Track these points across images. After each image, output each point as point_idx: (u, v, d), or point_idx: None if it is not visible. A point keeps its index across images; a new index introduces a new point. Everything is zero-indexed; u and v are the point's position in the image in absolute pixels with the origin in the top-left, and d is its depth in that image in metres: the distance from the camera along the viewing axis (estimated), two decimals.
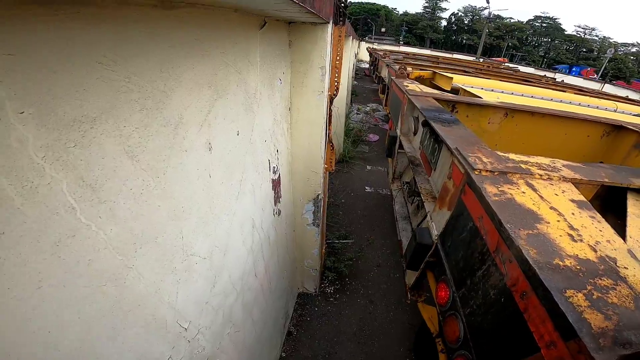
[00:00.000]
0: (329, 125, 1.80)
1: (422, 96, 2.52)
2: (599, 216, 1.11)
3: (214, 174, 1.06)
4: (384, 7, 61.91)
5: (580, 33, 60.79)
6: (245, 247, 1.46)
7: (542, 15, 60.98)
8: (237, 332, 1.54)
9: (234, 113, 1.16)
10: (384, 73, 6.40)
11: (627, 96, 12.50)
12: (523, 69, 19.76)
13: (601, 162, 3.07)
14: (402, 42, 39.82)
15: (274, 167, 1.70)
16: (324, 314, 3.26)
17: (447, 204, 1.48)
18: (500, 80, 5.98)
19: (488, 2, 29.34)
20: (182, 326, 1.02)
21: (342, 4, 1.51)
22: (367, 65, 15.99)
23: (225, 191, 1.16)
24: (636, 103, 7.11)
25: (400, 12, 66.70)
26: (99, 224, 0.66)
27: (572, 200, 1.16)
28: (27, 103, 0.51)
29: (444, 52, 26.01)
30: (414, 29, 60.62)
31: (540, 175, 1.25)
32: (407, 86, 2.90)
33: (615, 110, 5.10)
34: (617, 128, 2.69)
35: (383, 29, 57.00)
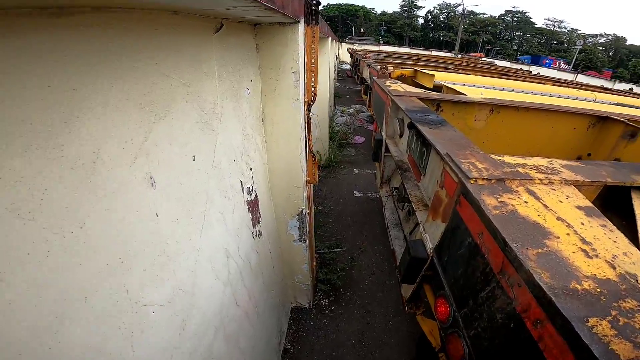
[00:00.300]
0: (309, 135, 1.65)
1: (405, 96, 2.41)
2: (609, 224, 1.00)
3: (162, 212, 0.88)
4: (362, 7, 62.56)
5: (550, 26, 63.11)
6: (221, 280, 1.29)
7: (513, 9, 62.99)
8: None
9: (185, 135, 0.98)
10: (366, 73, 6.32)
11: (602, 85, 12.91)
12: (499, 62, 20.22)
13: (589, 155, 3.05)
14: (381, 42, 40.24)
15: (249, 187, 1.53)
16: (321, 327, 3.10)
17: (441, 215, 1.35)
18: (480, 75, 5.99)
19: None
20: None
21: (314, 2, 1.37)
22: (348, 67, 15.99)
23: (183, 229, 0.99)
24: (612, 92, 7.28)
25: (379, 12, 67.57)
26: None
27: (579, 207, 1.05)
28: None
29: (423, 49, 26.36)
30: (393, 28, 61.50)
31: (541, 180, 1.14)
32: (390, 86, 2.79)
33: (594, 100, 5.17)
34: (603, 119, 2.65)
35: (362, 30, 57.60)
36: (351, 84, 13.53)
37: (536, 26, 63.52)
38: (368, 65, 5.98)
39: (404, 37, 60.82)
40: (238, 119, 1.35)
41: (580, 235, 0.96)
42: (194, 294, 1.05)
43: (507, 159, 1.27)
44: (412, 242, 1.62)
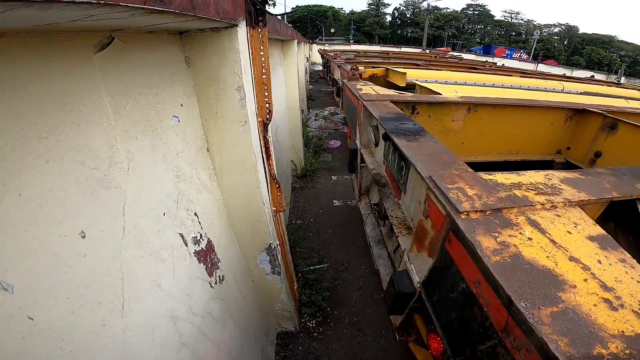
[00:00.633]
0: (268, 159, 1.40)
1: (378, 100, 2.20)
2: (628, 257, 0.82)
3: (39, 317, 0.60)
4: (331, 7, 62.79)
5: (507, 17, 66.08)
6: (169, 348, 1.01)
7: (473, 3, 65.39)
8: None
9: (59, 208, 0.69)
10: (337, 75, 6.13)
11: (564, 74, 13.46)
12: (465, 56, 20.82)
13: (568, 148, 2.99)
14: (352, 41, 40.49)
15: (195, 236, 1.25)
16: (310, 351, 2.86)
17: (427, 249, 1.14)
18: (451, 71, 5.96)
19: None
20: None
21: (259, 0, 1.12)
22: (320, 68, 15.80)
23: (84, 326, 0.71)
24: (575, 80, 7.51)
25: (347, 12, 68.10)
26: None
27: (591, 238, 0.86)
28: None
29: (392, 46, 26.68)
30: (362, 27, 62.17)
31: (542, 205, 0.95)
32: (361, 89, 2.59)
33: (562, 90, 5.25)
34: (580, 111, 2.58)
35: (332, 30, 57.82)
36: (324, 85, 13.27)
37: (495, 19, 66.28)
38: (339, 66, 5.79)
39: (373, 35, 61.62)
40: (164, 159, 1.06)
41: (599, 280, 0.77)
42: None
43: (499, 177, 1.08)
44: (397, 276, 1.41)
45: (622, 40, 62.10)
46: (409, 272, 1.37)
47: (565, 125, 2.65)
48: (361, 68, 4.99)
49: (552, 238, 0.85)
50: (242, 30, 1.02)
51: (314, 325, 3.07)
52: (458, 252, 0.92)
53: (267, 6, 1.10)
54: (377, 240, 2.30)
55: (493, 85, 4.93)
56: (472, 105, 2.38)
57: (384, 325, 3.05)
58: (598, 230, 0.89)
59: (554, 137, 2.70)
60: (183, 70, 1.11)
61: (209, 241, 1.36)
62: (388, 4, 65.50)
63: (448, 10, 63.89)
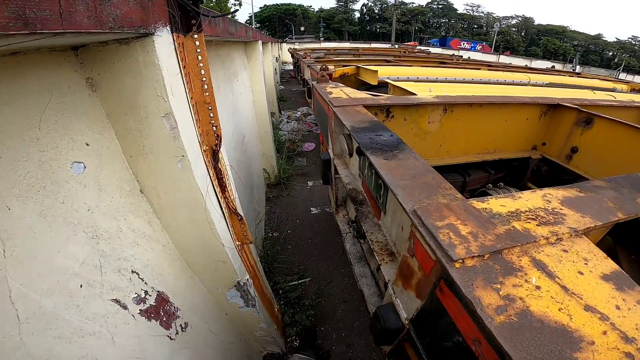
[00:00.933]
0: (224, 193, 1.17)
1: (350, 106, 2.02)
2: None
3: None
4: (300, 6, 62.18)
5: (469, 11, 68.54)
6: None
7: None
8: None
9: None
10: (307, 74, 5.91)
11: (526, 65, 14.00)
12: (432, 50, 21.20)
13: (544, 144, 2.96)
14: (322, 39, 40.29)
15: (138, 296, 1.00)
16: None
17: (415, 290, 0.97)
18: (422, 66, 5.92)
19: None
20: None
21: None
22: (291, 67, 15.48)
23: None
24: (539, 71, 7.75)
25: (316, 9, 67.76)
26: None
27: (605, 277, 0.72)
28: None
29: (362, 42, 26.77)
30: (332, 24, 62.13)
31: (547, 239, 0.79)
32: (331, 93, 2.39)
33: (529, 82, 5.34)
34: (554, 106, 2.53)
35: (302, 28, 57.42)
36: (295, 84, 12.90)
37: (458, 12, 68.49)
38: (308, 65, 5.58)
39: (343, 32, 61.74)
40: (66, 223, 0.80)
41: (619, 330, 0.64)
42: None
43: (493, 204, 0.92)
44: (383, 310, 1.23)
45: (574, 30, 66.18)
46: (395, 307, 1.19)
47: (540, 121, 2.60)
48: (331, 67, 4.80)
49: (563, 284, 0.70)
50: (163, 39, 0.77)
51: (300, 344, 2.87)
52: (452, 305, 0.75)
53: (200, 4, 0.86)
54: (358, 257, 2.12)
55: (464, 81, 4.91)
56: (448, 106, 2.26)
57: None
58: (611, 265, 0.75)
59: (529, 133, 2.65)
60: (85, 97, 0.82)
61: (160, 294, 1.11)
62: (356, 1, 65.88)
63: (414, 5, 65.21)
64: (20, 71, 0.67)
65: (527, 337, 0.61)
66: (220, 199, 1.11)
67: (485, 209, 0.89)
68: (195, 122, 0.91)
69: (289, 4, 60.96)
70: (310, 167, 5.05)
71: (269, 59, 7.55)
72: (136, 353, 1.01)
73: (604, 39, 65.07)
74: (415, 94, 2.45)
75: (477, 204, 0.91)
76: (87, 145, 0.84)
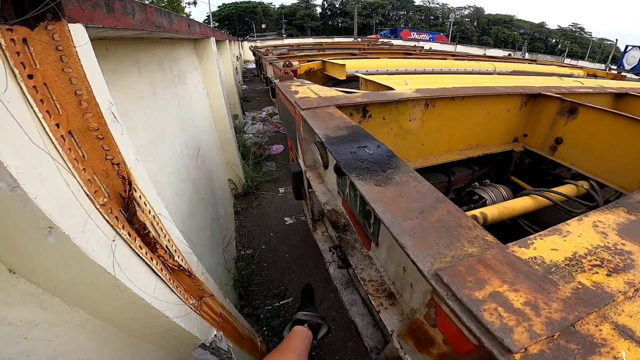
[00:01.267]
0: (155, 250, 0.80)
1: (320, 107, 1.70)
2: None
3: None
4: (260, 3, 60.47)
5: (426, 2, 70.67)
6: None
7: None
8: None
9: None
10: (270, 72, 5.51)
11: (484, 54, 14.48)
12: (395, 42, 21.39)
13: (525, 135, 2.84)
14: (284, 35, 39.48)
15: None
16: None
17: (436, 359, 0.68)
18: (389, 58, 5.73)
19: None
20: None
21: None
22: (254, 66, 14.80)
23: None
24: (499, 59, 7.90)
25: (277, 6, 66.32)
26: None
27: None
28: None
29: (325, 37, 26.45)
30: (294, 20, 61.19)
31: (624, 293, 0.54)
32: (297, 92, 2.06)
33: (494, 71, 5.33)
34: (534, 96, 2.38)
35: (263, 26, 56.08)
36: (259, 83, 12.19)
37: (415, 4, 70.33)
38: (270, 63, 5.17)
39: (305, 27, 61.04)
40: None
41: None
42: None
43: (541, 248, 0.65)
44: None
45: (520, 19, 70.56)
46: None
47: (521, 112, 2.45)
48: (295, 63, 4.44)
49: None
50: None
51: None
52: None
53: None
54: (345, 282, 1.82)
55: (433, 72, 4.78)
56: (429, 100, 2.01)
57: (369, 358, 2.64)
58: None
59: (510, 125, 2.49)
60: None
61: None
62: None
63: None
64: None
65: None
66: (149, 262, 0.75)
67: (535, 258, 0.62)
68: (69, 164, 0.54)
69: (249, 2, 59.05)
70: (280, 172, 4.67)
71: (227, 58, 6.99)
72: None
73: (547, 26, 70.05)
74: (392, 89, 2.19)
75: (521, 251, 0.63)
76: None
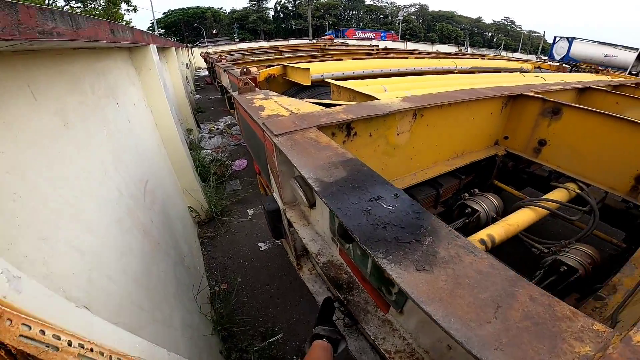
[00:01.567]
0: None
1: (298, 131, 1.38)
2: None
3: None
4: (210, 8, 57.81)
5: (376, 2, 72.90)
6: None
7: None
8: None
9: None
10: (225, 80, 5.05)
11: (437, 50, 15.00)
12: (350, 42, 21.58)
13: (506, 137, 2.75)
14: (237, 40, 38.17)
15: None
16: None
17: None
18: (352, 59, 5.54)
19: None
20: None
21: None
22: (206, 73, 13.91)
23: None
24: (454, 55, 8.13)
25: (228, 10, 63.87)
26: None
27: None
28: None
29: (280, 40, 25.93)
30: (246, 24, 59.52)
31: None
32: (264, 109, 1.73)
33: (455, 68, 5.38)
34: (514, 97, 2.28)
35: (214, 31, 53.98)
36: (214, 91, 11.27)
37: (366, 4, 72.14)
38: (225, 70, 4.72)
39: (258, 31, 59.69)
40: None
41: None
42: None
43: None
44: None
45: (460, 15, 75.46)
46: None
47: (502, 114, 2.34)
48: (254, 69, 4.06)
49: None
50: None
51: None
52: None
53: None
54: (345, 324, 1.52)
55: (406, 72, 4.66)
56: (418, 110, 1.79)
57: None
58: None
59: (492, 128, 2.37)
60: None
61: None
62: None
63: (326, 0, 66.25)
64: None
65: None
66: None
67: None
68: None
69: (197, 7, 56.21)
70: (247, 191, 4.21)
71: (175, 67, 6.31)
72: None
73: (483, 21, 75.84)
74: (375, 98, 1.94)
75: None
76: None
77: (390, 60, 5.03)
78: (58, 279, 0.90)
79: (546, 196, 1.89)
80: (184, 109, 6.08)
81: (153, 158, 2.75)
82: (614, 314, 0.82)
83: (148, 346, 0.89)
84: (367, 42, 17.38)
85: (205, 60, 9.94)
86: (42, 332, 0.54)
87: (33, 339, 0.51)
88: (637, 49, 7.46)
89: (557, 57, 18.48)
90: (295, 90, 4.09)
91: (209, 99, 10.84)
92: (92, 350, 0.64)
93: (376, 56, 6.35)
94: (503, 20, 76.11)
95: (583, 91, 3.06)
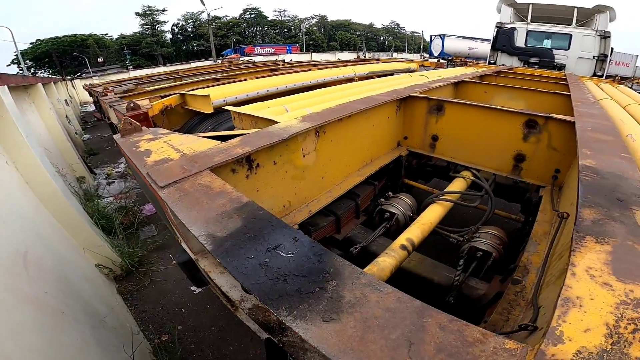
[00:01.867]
0: None
1: (188, 177, 1.21)
2: None
3: None
4: (91, 35, 50.82)
5: (278, 16, 74.77)
6: None
7: (248, 7, 69.62)
8: None
9: None
10: (114, 118, 4.43)
11: (338, 59, 15.96)
12: (256, 58, 21.55)
13: (406, 138, 2.96)
14: (130, 67, 34.64)
15: None
16: None
17: None
18: (256, 78, 5.45)
19: (204, 4, 29.66)
20: None
21: None
22: (94, 108, 12.11)
23: None
24: (354, 62, 8.74)
25: (116, 36, 57.10)
26: None
27: None
28: None
29: (181, 64, 24.33)
30: (140, 49, 54.26)
31: None
32: (149, 154, 1.50)
33: (355, 75, 5.75)
34: (405, 99, 2.48)
35: (100, 59, 47.95)
36: (106, 129, 9.73)
37: (269, 19, 73.33)
38: (111, 106, 4.13)
39: (155, 56, 55.12)
40: None
41: None
42: None
43: (572, 335, 0.62)
44: None
45: (355, 22, 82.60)
46: None
47: (397, 116, 2.52)
48: (144, 102, 3.63)
49: None
50: None
51: None
52: None
53: None
54: None
55: (309, 86, 4.75)
56: (319, 128, 1.78)
57: None
58: None
59: (392, 131, 2.54)
60: None
61: None
62: (165, 21, 59.34)
63: (228, 18, 64.89)
64: None
65: None
66: None
67: (580, 353, 0.53)
68: None
69: (75, 35, 48.93)
70: (164, 236, 3.70)
71: (46, 107, 5.22)
72: None
73: (375, 26, 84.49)
74: (275, 121, 1.86)
75: (559, 350, 0.55)
76: None
77: (295, 75, 5.10)
78: None
79: (448, 188, 2.08)
80: (67, 155, 5.11)
81: (30, 224, 2.21)
82: (533, 299, 0.88)
83: None
84: (274, 58, 17.57)
85: (90, 94, 8.66)
86: None
87: None
88: (489, 40, 9.18)
89: (435, 54, 21.40)
90: (198, 119, 3.79)
91: (102, 137, 9.37)
92: None
93: (281, 72, 6.40)
94: (390, 24, 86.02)
95: (458, 84, 3.55)
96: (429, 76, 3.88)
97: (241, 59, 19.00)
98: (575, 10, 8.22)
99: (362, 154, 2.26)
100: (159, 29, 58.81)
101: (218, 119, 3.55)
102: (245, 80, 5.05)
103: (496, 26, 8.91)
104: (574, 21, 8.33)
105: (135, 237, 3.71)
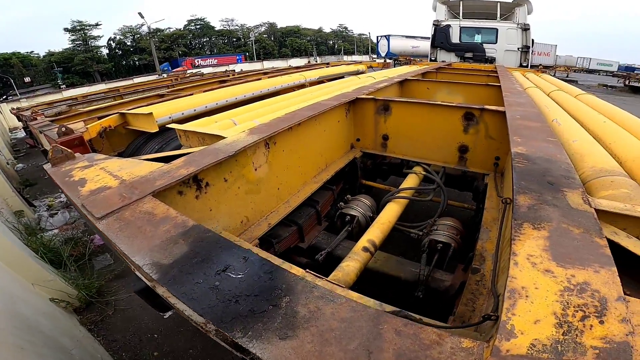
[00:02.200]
0: None
1: (129, 205, 1.12)
2: None
3: None
4: (15, 54, 45.18)
5: (226, 26, 72.87)
6: None
7: (193, 18, 66.88)
8: None
9: None
10: (46, 144, 4.00)
11: (289, 65, 16.01)
12: (205, 70, 20.78)
13: (358, 140, 3.01)
14: (63, 86, 31.57)
15: None
16: None
17: None
18: (205, 92, 5.26)
19: (142, 17, 27.88)
20: None
21: None
22: (25, 134, 10.80)
23: None
24: (305, 68, 8.80)
25: (43, 54, 51.25)
26: None
27: None
28: None
29: (122, 80, 22.66)
30: (72, 67, 49.46)
31: None
32: (84, 183, 1.36)
33: (306, 81, 5.79)
34: (353, 102, 2.54)
35: (27, 79, 43.06)
36: (42, 156, 8.70)
37: (216, 29, 71.14)
38: (41, 131, 3.72)
39: (91, 73, 50.66)
40: None
41: None
42: None
43: (523, 327, 0.64)
44: None
45: (305, 28, 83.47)
46: None
47: (348, 119, 2.57)
48: (78, 125, 3.32)
49: None
50: None
51: None
52: None
53: None
54: None
55: (253, 96, 4.67)
56: (268, 139, 1.74)
57: None
58: None
59: (344, 135, 2.58)
60: None
61: None
62: (99, 36, 54.41)
63: (171, 30, 61.70)
64: None
65: None
66: None
67: (534, 346, 0.54)
68: None
69: None
70: (121, 263, 3.41)
71: None
72: None
73: (324, 31, 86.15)
74: (222, 137, 1.79)
75: (512, 345, 0.54)
76: None
77: (245, 85, 5.01)
78: None
79: (402, 185, 2.15)
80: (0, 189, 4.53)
81: None
82: (492, 287, 0.91)
83: None
84: (223, 68, 17.11)
85: (19, 119, 7.72)
86: None
87: None
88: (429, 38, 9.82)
89: (383, 54, 22.42)
90: (143, 139, 3.55)
91: (38, 165, 8.38)
92: None
93: (231, 83, 6.23)
94: (339, 28, 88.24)
95: (402, 83, 3.73)
96: (376, 77, 4.02)
97: (188, 72, 18.24)
98: (499, 5, 9.11)
99: (316, 161, 2.26)
100: (92, 44, 54.20)
101: (165, 138, 3.35)
102: (192, 94, 4.85)
103: (433, 24, 9.57)
104: (498, 15, 9.23)
105: (90, 268, 3.39)
